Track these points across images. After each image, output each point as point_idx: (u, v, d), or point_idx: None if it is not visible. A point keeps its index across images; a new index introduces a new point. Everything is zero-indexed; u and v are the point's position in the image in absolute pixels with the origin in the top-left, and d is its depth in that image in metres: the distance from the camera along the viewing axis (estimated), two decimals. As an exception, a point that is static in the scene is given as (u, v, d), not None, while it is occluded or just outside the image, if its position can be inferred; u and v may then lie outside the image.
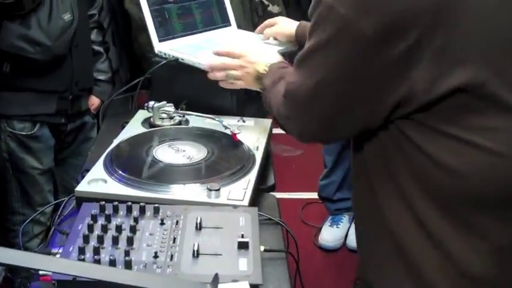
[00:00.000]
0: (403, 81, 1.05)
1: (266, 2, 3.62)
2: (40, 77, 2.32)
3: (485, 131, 1.06)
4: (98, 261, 1.12)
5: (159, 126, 1.78)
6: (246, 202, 1.38)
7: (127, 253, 1.15)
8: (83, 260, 1.14)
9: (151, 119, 1.80)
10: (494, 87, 1.03)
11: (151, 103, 1.79)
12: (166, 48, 1.91)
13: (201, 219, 1.26)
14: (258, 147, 1.64)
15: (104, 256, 1.15)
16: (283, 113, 1.28)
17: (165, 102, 1.81)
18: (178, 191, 1.40)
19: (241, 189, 1.42)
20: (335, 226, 3.23)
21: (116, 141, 1.65)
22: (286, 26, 1.90)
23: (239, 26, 2.18)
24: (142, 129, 1.76)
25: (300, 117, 1.22)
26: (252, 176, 1.49)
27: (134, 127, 1.78)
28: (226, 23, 2.13)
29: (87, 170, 1.50)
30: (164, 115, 1.80)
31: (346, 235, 3.22)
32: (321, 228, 3.27)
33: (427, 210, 1.11)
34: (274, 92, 1.40)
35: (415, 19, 1.01)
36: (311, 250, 3.15)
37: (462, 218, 1.10)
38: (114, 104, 2.13)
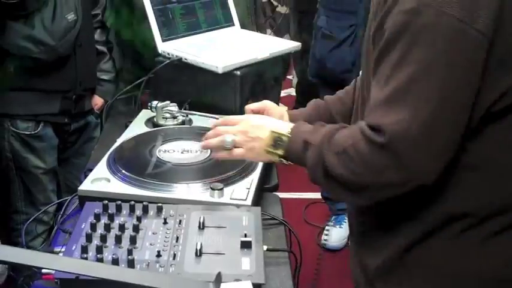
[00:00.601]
0: (503, 77, 1.03)
1: (275, 3, 3.63)
2: (44, 76, 2.32)
3: None
4: (100, 260, 1.12)
5: (162, 125, 1.78)
6: (249, 202, 1.38)
7: (130, 252, 1.15)
8: (86, 258, 1.14)
9: (155, 119, 1.80)
10: None
11: (154, 103, 1.79)
12: (169, 47, 1.91)
13: (204, 219, 1.26)
14: (261, 146, 1.64)
15: (107, 255, 1.15)
16: (377, 166, 1.06)
17: (168, 102, 1.81)
18: (181, 191, 1.40)
19: (245, 188, 1.42)
20: (338, 226, 3.22)
21: (119, 141, 1.66)
22: (274, 112, 1.49)
23: (242, 26, 2.18)
24: (145, 129, 1.76)
25: (411, 158, 1.04)
26: (255, 175, 1.49)
27: (137, 127, 1.78)
28: (229, 22, 2.13)
29: (90, 170, 1.50)
30: (167, 115, 1.80)
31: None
32: (324, 228, 3.27)
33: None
34: (335, 147, 1.12)
35: None
36: (314, 250, 3.15)
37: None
38: (118, 104, 2.14)
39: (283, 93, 4.72)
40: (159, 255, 1.16)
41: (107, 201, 1.30)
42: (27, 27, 2.19)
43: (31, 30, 2.19)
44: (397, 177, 1.05)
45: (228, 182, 1.43)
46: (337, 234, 3.21)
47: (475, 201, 1.11)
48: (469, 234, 1.12)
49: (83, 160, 2.51)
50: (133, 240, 1.19)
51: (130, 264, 1.12)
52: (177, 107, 1.81)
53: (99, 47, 2.57)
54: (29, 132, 2.36)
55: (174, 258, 1.16)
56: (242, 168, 1.49)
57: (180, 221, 1.27)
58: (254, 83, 1.87)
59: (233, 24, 2.13)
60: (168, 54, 1.90)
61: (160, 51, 1.92)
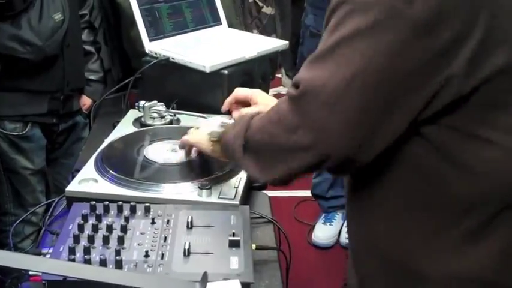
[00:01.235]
0: (444, 67, 1.01)
1: (260, 4, 3.63)
2: (31, 77, 2.31)
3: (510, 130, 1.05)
4: (88, 261, 1.12)
5: (150, 125, 1.78)
6: (237, 201, 1.38)
7: (118, 252, 1.15)
8: (73, 260, 1.13)
9: (143, 119, 1.80)
10: None
11: (142, 102, 1.79)
12: (156, 47, 1.91)
13: (192, 218, 1.26)
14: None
15: (95, 256, 1.15)
16: (289, 123, 1.03)
17: (156, 101, 1.80)
18: (169, 190, 1.40)
19: (233, 187, 1.42)
20: (328, 224, 3.23)
21: (106, 141, 1.65)
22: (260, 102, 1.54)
23: (230, 25, 2.18)
24: (133, 129, 1.76)
25: (323, 120, 1.00)
26: (243, 174, 1.49)
27: (125, 126, 1.77)
28: (217, 21, 2.13)
29: (78, 170, 1.50)
30: (155, 114, 1.80)
31: (340, 233, 3.22)
32: (314, 226, 3.28)
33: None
34: (257, 120, 1.13)
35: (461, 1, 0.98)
36: (304, 248, 3.16)
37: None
38: (106, 104, 2.13)
39: (272, 92, 4.73)
40: (147, 255, 1.16)
41: (94, 202, 1.30)
42: (14, 28, 2.18)
43: (18, 30, 2.18)
44: (306, 140, 1.01)
45: (216, 181, 1.43)
46: (327, 231, 3.21)
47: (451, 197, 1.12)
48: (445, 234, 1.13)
49: (72, 160, 2.51)
50: (121, 240, 1.19)
51: (118, 264, 1.12)
52: (164, 106, 1.81)
53: (86, 47, 2.56)
54: (16, 133, 2.36)
55: (162, 258, 1.16)
56: (230, 168, 1.49)
57: (168, 220, 1.27)
58: (242, 82, 1.87)
59: (220, 23, 2.13)
60: (156, 53, 1.89)
61: (147, 51, 1.92)
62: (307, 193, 3.37)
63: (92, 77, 2.59)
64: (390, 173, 1.11)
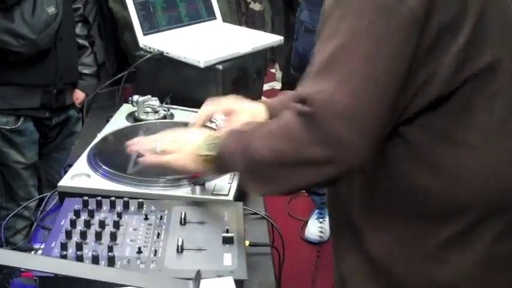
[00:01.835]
0: (433, 62, 1.01)
1: (248, 0, 3.62)
2: (24, 70, 2.30)
3: (488, 133, 1.05)
4: (80, 257, 1.11)
5: (143, 120, 1.76)
6: (231, 197, 1.37)
7: (110, 249, 1.14)
8: (65, 256, 1.12)
9: (136, 113, 1.79)
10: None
11: (135, 97, 1.78)
12: (151, 41, 1.90)
13: (185, 214, 1.25)
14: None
15: (87, 252, 1.13)
16: (302, 139, 1.00)
17: (149, 96, 1.79)
18: (162, 186, 1.39)
19: (226, 183, 1.41)
20: (321, 219, 3.23)
21: (99, 136, 1.64)
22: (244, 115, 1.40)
23: (224, 20, 2.17)
24: (126, 124, 1.75)
25: (342, 133, 0.98)
26: (237, 170, 1.48)
27: (118, 121, 1.76)
28: (211, 16, 2.12)
29: (71, 165, 1.48)
30: (149, 109, 1.79)
31: (333, 228, 3.22)
32: (307, 221, 3.28)
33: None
34: (260, 133, 1.09)
35: None
36: (298, 243, 3.16)
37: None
38: (99, 98, 2.12)
39: (267, 87, 4.73)
40: (140, 251, 1.15)
41: (87, 197, 1.29)
42: (7, 21, 2.17)
43: (10, 23, 2.16)
44: (324, 154, 0.99)
45: (210, 177, 1.42)
46: (320, 227, 3.21)
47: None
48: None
49: (64, 155, 2.50)
50: (113, 236, 1.18)
51: (111, 261, 1.11)
52: (158, 101, 1.80)
53: (80, 41, 2.55)
54: (9, 127, 2.34)
55: (155, 255, 1.15)
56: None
57: (161, 216, 1.26)
58: (236, 77, 1.86)
59: (215, 18, 2.12)
60: (150, 48, 1.88)
61: (141, 45, 1.91)
62: (300, 188, 3.36)
63: (86, 71, 2.57)
64: (372, 176, 1.12)
